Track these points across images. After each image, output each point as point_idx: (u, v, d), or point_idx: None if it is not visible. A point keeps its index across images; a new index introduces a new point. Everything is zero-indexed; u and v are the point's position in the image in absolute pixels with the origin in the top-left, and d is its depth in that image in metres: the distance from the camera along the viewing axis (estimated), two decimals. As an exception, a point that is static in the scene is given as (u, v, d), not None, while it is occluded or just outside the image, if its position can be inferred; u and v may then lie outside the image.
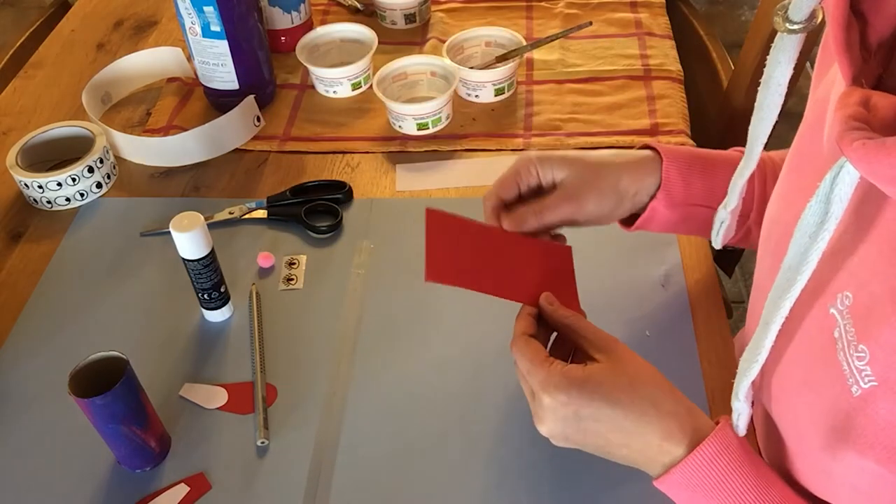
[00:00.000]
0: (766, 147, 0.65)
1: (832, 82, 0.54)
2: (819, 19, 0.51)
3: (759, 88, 0.58)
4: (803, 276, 0.48)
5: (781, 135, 0.72)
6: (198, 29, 0.96)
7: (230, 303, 0.80)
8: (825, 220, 0.46)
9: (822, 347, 0.49)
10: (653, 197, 0.71)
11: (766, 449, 0.64)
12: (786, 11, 0.52)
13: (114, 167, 0.97)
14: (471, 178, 0.89)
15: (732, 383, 0.71)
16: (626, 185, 0.69)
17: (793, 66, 0.55)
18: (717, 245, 0.70)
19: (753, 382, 0.56)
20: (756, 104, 0.59)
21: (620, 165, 0.70)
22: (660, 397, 0.58)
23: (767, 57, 0.57)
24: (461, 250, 0.64)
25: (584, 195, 0.68)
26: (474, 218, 0.66)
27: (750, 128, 0.61)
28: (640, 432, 0.57)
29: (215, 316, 0.79)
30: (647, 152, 0.72)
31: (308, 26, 1.14)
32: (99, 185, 0.94)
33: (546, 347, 0.63)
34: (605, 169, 0.69)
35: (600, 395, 0.58)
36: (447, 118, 1.01)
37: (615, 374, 0.59)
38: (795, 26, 0.52)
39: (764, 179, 0.74)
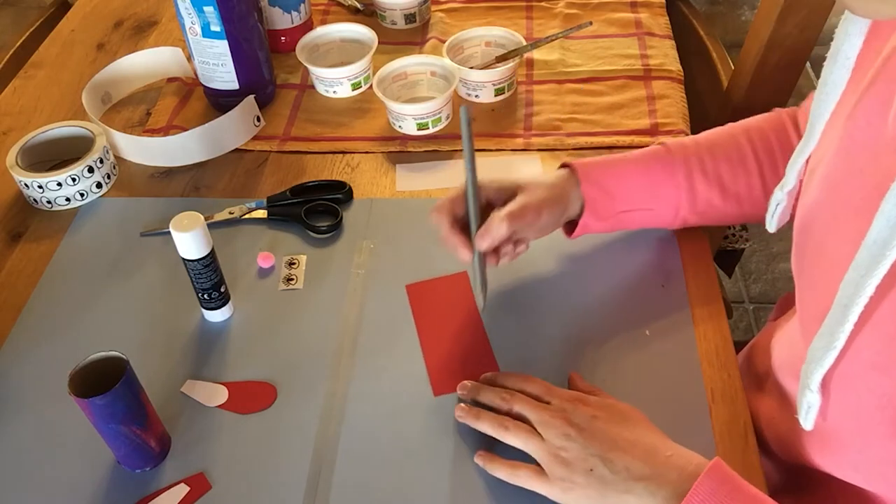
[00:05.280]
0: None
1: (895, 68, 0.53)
2: None
3: (824, 64, 0.57)
4: (894, 251, 0.46)
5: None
6: (198, 29, 0.96)
7: (230, 303, 0.80)
8: None
9: None
10: (580, 214, 0.76)
11: (799, 446, 0.63)
12: None
13: (114, 167, 0.97)
14: (471, 178, 0.89)
15: (732, 383, 0.71)
16: (564, 203, 0.75)
17: (863, 39, 0.54)
18: (772, 228, 0.68)
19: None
20: (820, 80, 0.58)
21: (552, 187, 0.75)
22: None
23: (835, 31, 0.56)
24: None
25: (541, 206, 0.72)
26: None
27: (812, 105, 0.60)
28: (647, 441, 0.60)
29: (215, 316, 0.79)
30: (564, 172, 0.76)
31: (308, 26, 1.14)
32: (99, 185, 0.94)
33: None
34: (547, 188, 0.74)
35: (612, 402, 0.64)
36: (447, 118, 1.01)
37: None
38: None
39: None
